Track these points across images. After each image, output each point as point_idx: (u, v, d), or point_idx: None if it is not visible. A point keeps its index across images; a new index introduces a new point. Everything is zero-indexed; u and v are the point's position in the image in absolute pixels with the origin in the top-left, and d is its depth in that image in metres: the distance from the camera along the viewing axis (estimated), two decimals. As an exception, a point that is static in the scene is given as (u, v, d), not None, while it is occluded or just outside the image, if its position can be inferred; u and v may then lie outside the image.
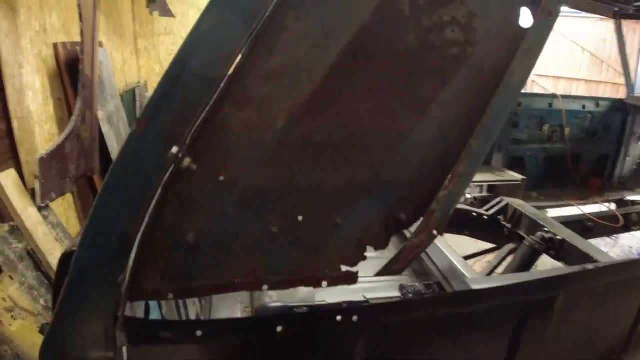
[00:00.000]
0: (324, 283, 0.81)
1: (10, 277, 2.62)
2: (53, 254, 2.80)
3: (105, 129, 3.90)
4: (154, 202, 0.64)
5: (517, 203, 2.71)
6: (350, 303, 0.99)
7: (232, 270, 0.73)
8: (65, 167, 3.14)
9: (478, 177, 3.46)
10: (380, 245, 0.83)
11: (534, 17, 0.79)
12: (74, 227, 3.69)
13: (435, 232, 0.84)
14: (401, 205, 0.80)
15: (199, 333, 0.79)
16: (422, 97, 0.77)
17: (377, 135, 0.76)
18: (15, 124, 3.23)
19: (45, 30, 3.57)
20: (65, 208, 3.66)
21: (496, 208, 2.73)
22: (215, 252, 0.70)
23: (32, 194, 2.92)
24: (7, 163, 2.95)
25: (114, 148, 4.06)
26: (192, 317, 1.44)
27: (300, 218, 0.74)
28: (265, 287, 0.77)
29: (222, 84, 0.63)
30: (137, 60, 5.62)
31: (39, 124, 3.48)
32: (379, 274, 0.86)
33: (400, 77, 0.77)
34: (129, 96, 4.77)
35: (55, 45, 3.68)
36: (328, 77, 0.68)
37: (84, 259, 0.64)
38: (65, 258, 0.87)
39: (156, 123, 0.62)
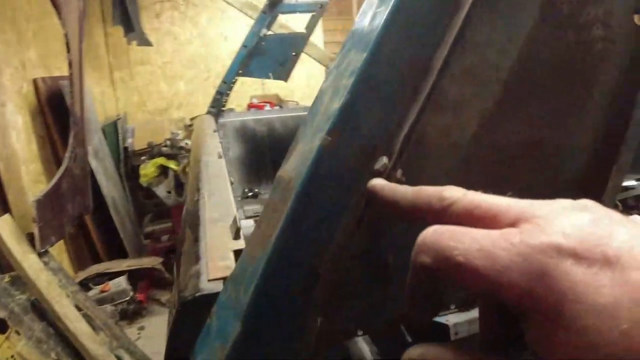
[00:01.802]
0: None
1: (17, 332, 2.39)
2: (60, 302, 2.59)
3: (94, 164, 3.70)
4: (347, 225, 0.55)
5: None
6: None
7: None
8: (62, 207, 2.94)
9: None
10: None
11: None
12: (68, 271, 3.46)
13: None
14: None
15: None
16: (580, 98, 0.75)
17: (554, 139, 0.74)
18: (0, 166, 3.03)
19: (24, 65, 3.39)
20: (57, 252, 3.43)
21: None
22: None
23: (29, 238, 2.71)
24: (-3, 208, 2.74)
25: (104, 184, 3.86)
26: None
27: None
28: (452, 306, 0.70)
29: (425, 84, 0.56)
30: (115, 92, 5.43)
31: (25, 164, 3.28)
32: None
33: (564, 77, 0.75)
34: (111, 129, 4.57)
35: (34, 81, 3.50)
36: (510, 82, 0.64)
37: (264, 303, 0.54)
38: (189, 304, 0.76)
39: (355, 132, 0.54)
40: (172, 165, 4.16)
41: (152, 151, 4.25)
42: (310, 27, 3.03)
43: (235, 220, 0.94)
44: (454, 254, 0.31)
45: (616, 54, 0.79)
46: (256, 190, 3.40)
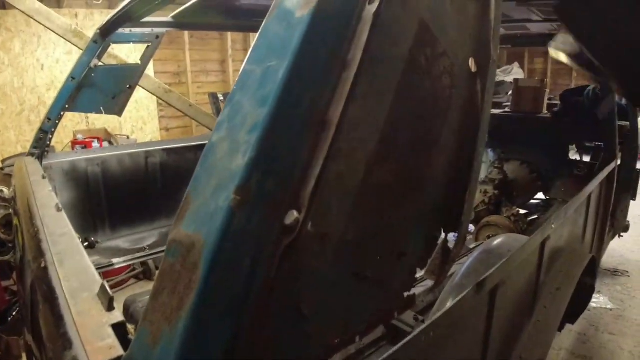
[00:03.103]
0: (396, 314, 0.78)
1: None
2: None
3: None
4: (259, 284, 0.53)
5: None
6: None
7: (332, 333, 0.65)
8: None
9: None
10: (423, 265, 0.85)
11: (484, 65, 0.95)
12: None
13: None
14: (436, 226, 0.86)
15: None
16: (436, 134, 0.86)
17: (419, 172, 0.82)
18: None
19: None
20: None
21: None
22: (322, 319, 0.61)
23: None
24: None
25: None
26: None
27: (382, 257, 0.71)
28: (357, 338, 0.70)
29: (324, 137, 0.57)
30: None
31: None
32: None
33: (423, 119, 0.85)
34: None
35: None
36: (385, 128, 0.69)
37: None
38: None
39: (263, 189, 0.52)
40: (-18, 218, 3.50)
41: (-46, 203, 3.51)
42: (146, 58, 2.87)
43: (104, 289, 0.83)
44: None
45: (459, 96, 0.93)
46: (92, 239, 3.05)
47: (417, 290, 1.53)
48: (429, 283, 1.67)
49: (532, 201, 4.18)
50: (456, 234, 0.89)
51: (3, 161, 4.55)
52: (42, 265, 1.03)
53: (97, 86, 2.77)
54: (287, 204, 0.53)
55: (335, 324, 0.64)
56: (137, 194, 3.06)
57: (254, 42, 0.61)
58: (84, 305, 0.82)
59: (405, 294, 0.79)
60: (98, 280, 0.91)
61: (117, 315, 0.78)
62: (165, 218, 3.14)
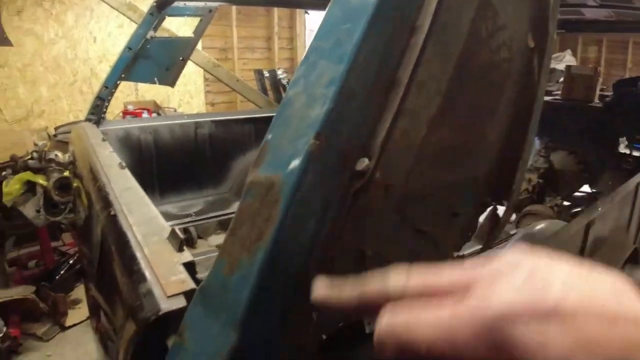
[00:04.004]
0: (444, 273, 0.83)
1: None
2: None
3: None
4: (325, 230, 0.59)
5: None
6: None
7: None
8: None
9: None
10: (473, 229, 0.89)
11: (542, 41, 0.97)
12: None
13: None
14: (487, 192, 0.90)
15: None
16: (493, 104, 0.89)
17: (475, 138, 0.86)
18: None
19: None
20: None
21: None
22: (382, 265, 0.67)
23: None
24: None
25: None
26: None
27: (437, 214, 0.76)
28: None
29: (394, 94, 0.62)
30: (-37, 98, 4.69)
31: None
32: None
33: (480, 89, 0.88)
34: (-41, 143, 3.93)
35: None
36: (447, 92, 0.73)
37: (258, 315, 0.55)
38: (152, 326, 0.72)
39: (338, 136, 0.57)
40: (40, 180, 3.72)
41: (15, 165, 3.75)
42: (199, 32, 2.96)
43: (175, 233, 0.91)
44: (417, 345, 0.32)
45: (516, 70, 0.95)
46: (141, 202, 3.20)
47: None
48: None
49: (576, 194, 4.08)
50: (505, 204, 0.92)
51: (56, 129, 4.80)
52: (112, 213, 1.12)
53: (152, 57, 2.89)
54: (358, 151, 0.58)
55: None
56: (186, 163, 3.19)
57: (327, 8, 0.66)
58: (154, 247, 0.91)
59: (455, 254, 0.84)
60: (167, 226, 1.00)
61: (188, 256, 0.86)
62: (211, 187, 3.27)
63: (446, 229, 0.79)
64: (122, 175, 1.50)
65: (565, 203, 3.70)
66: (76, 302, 3.69)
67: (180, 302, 0.73)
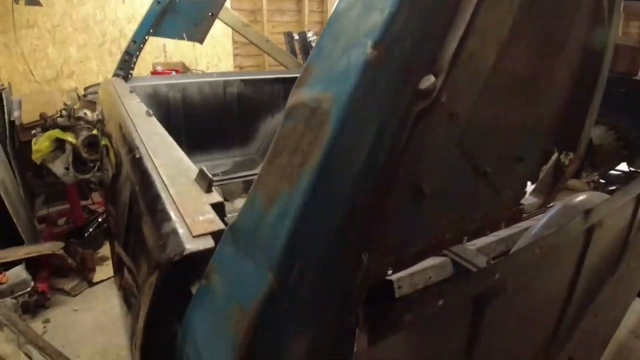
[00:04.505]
0: (502, 225, 0.74)
1: None
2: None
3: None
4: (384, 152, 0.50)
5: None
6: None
7: (446, 222, 0.62)
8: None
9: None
10: (534, 179, 0.79)
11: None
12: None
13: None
14: (553, 140, 0.80)
15: (440, 302, 0.65)
16: (561, 41, 0.80)
17: (543, 75, 0.78)
18: None
19: None
20: None
21: None
22: (439, 205, 0.58)
23: None
24: None
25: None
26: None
27: (500, 157, 0.66)
28: (465, 238, 0.68)
29: (464, 8, 0.52)
30: (-5, 58, 4.72)
31: None
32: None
33: (550, 19, 0.79)
34: (-8, 100, 3.97)
35: None
36: (517, 13, 0.64)
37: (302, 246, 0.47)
38: (176, 266, 0.65)
39: (400, 46, 0.48)
40: (69, 138, 3.73)
41: (45, 123, 3.77)
42: (229, -15, 2.85)
43: (204, 173, 0.84)
44: None
45: (586, 6, 0.84)
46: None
47: (489, 239, 1.47)
48: (501, 234, 1.60)
49: (612, 172, 3.89)
50: (571, 153, 0.82)
51: (85, 89, 4.81)
52: (137, 155, 1.06)
53: (180, 12, 2.80)
54: (424, 67, 0.49)
55: (450, 212, 0.61)
56: (214, 122, 3.13)
57: None
58: (181, 188, 0.84)
59: (514, 207, 0.75)
60: (194, 168, 0.93)
61: (217, 196, 0.79)
62: (238, 147, 3.21)
63: (508, 175, 0.69)
64: (149, 122, 1.45)
65: (601, 180, 3.53)
66: (104, 259, 3.75)
67: (208, 243, 0.66)
